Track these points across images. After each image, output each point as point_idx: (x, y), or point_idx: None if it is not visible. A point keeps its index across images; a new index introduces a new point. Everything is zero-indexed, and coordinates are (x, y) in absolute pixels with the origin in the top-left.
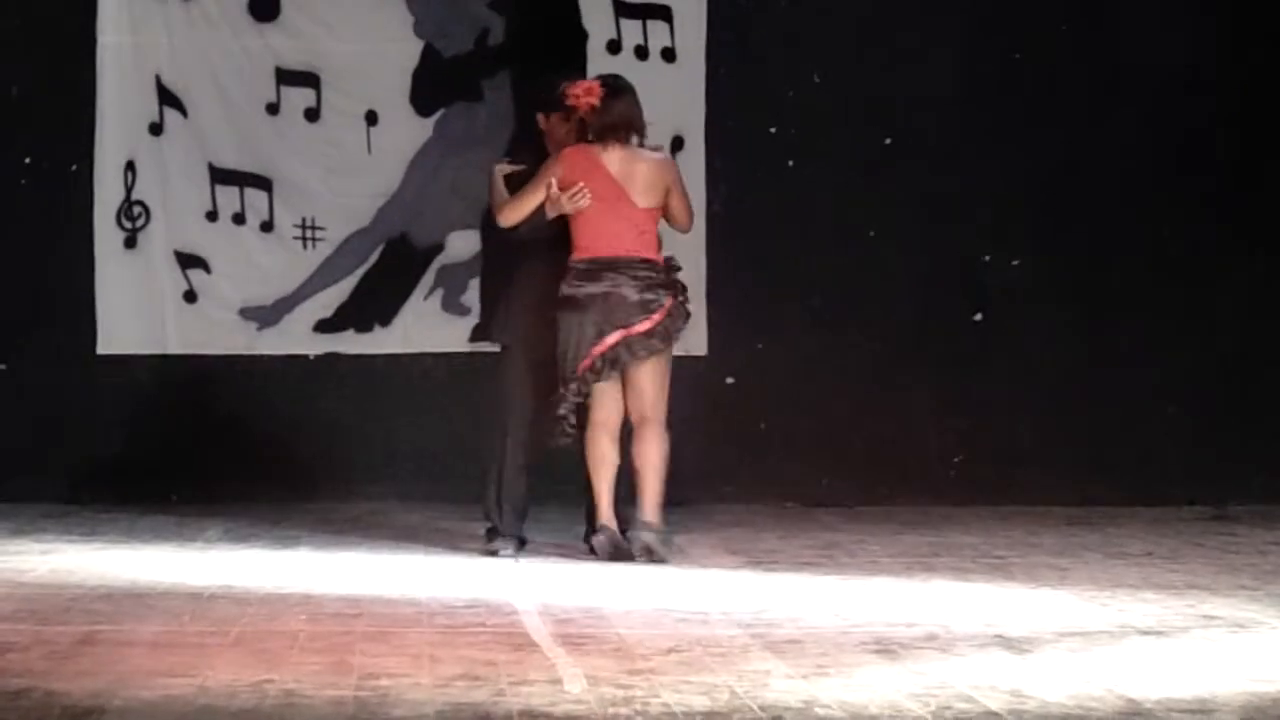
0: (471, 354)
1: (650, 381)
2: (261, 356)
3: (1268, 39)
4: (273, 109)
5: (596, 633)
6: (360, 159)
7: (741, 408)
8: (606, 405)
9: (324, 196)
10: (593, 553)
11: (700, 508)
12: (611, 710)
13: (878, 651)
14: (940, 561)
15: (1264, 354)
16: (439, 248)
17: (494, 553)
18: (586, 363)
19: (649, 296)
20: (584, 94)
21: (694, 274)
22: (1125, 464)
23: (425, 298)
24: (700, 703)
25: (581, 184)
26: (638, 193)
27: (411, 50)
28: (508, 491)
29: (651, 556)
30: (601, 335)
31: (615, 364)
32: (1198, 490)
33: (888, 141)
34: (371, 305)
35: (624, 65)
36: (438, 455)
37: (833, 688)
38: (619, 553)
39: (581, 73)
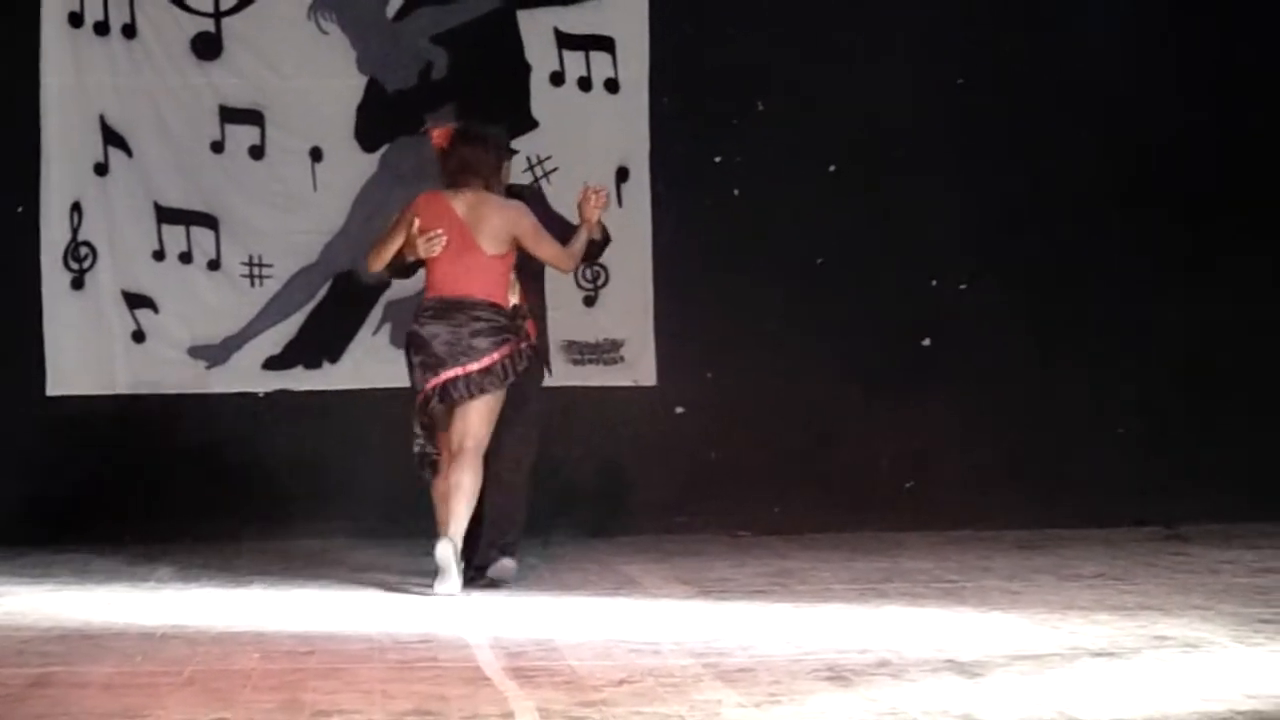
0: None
1: (476, 416)
2: (211, 395)
3: (1220, 62)
4: (217, 147)
5: (548, 665)
6: (306, 195)
7: (691, 437)
8: (458, 435)
9: (270, 234)
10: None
11: (651, 537)
12: None
13: (830, 679)
14: (892, 587)
15: (1212, 373)
16: (387, 283)
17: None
18: (420, 398)
19: (488, 339)
20: (436, 138)
21: (641, 303)
22: (1076, 486)
23: (374, 333)
24: None
25: (439, 230)
26: (484, 238)
27: (355, 85)
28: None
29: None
30: (437, 372)
31: (444, 399)
32: (1148, 511)
33: (832, 169)
34: (320, 341)
35: (568, 97)
36: (388, 491)
37: (785, 716)
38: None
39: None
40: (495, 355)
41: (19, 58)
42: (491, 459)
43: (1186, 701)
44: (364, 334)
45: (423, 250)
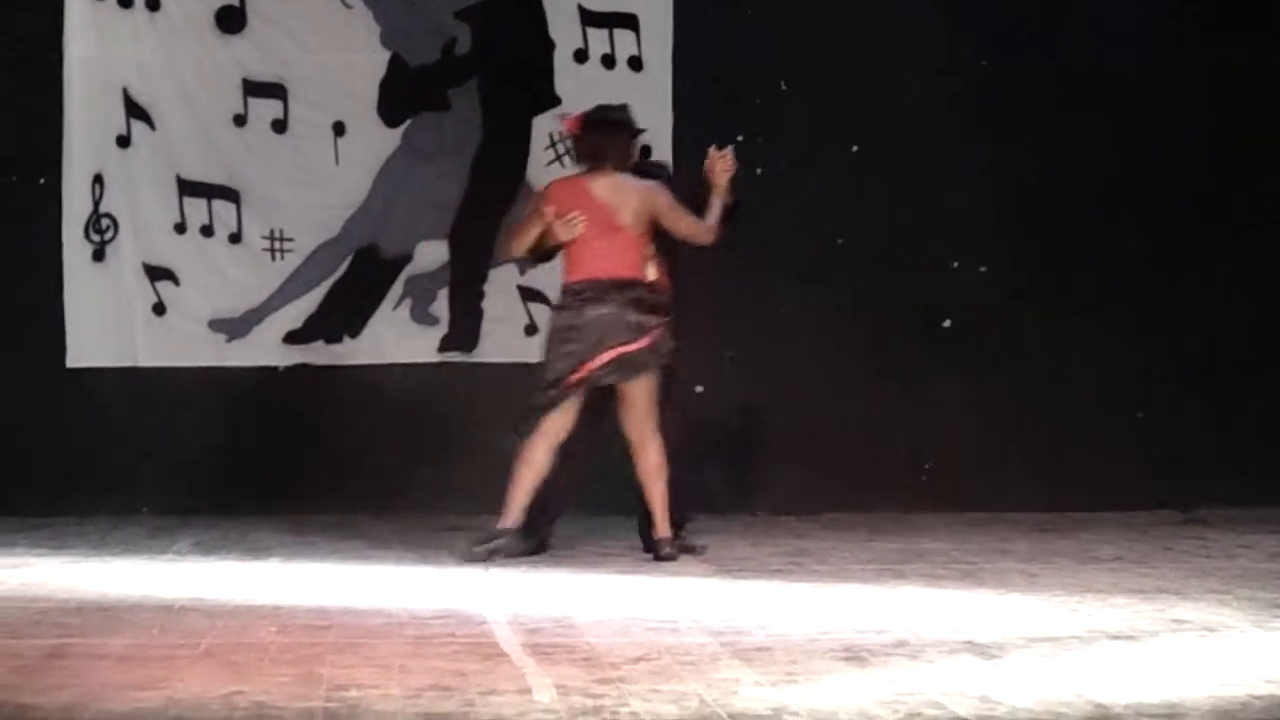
0: (440, 364)
1: (644, 397)
2: (231, 368)
3: (1231, 46)
4: (240, 120)
5: (566, 642)
6: (328, 170)
7: (710, 417)
8: (562, 418)
9: (292, 207)
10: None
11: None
12: (581, 719)
13: (847, 659)
14: (910, 568)
15: (1231, 357)
16: (407, 258)
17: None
18: (580, 375)
19: (641, 318)
20: (569, 124)
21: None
22: (1095, 469)
23: (394, 308)
24: (669, 711)
25: (576, 211)
26: (626, 218)
27: (378, 61)
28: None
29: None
30: (596, 353)
31: (601, 381)
32: (1167, 494)
33: (855, 149)
34: (341, 316)
35: (590, 74)
36: (407, 465)
37: (802, 695)
38: (504, 555)
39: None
40: (655, 333)
41: (43, 30)
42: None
43: (1204, 685)
44: (385, 309)
45: (563, 233)
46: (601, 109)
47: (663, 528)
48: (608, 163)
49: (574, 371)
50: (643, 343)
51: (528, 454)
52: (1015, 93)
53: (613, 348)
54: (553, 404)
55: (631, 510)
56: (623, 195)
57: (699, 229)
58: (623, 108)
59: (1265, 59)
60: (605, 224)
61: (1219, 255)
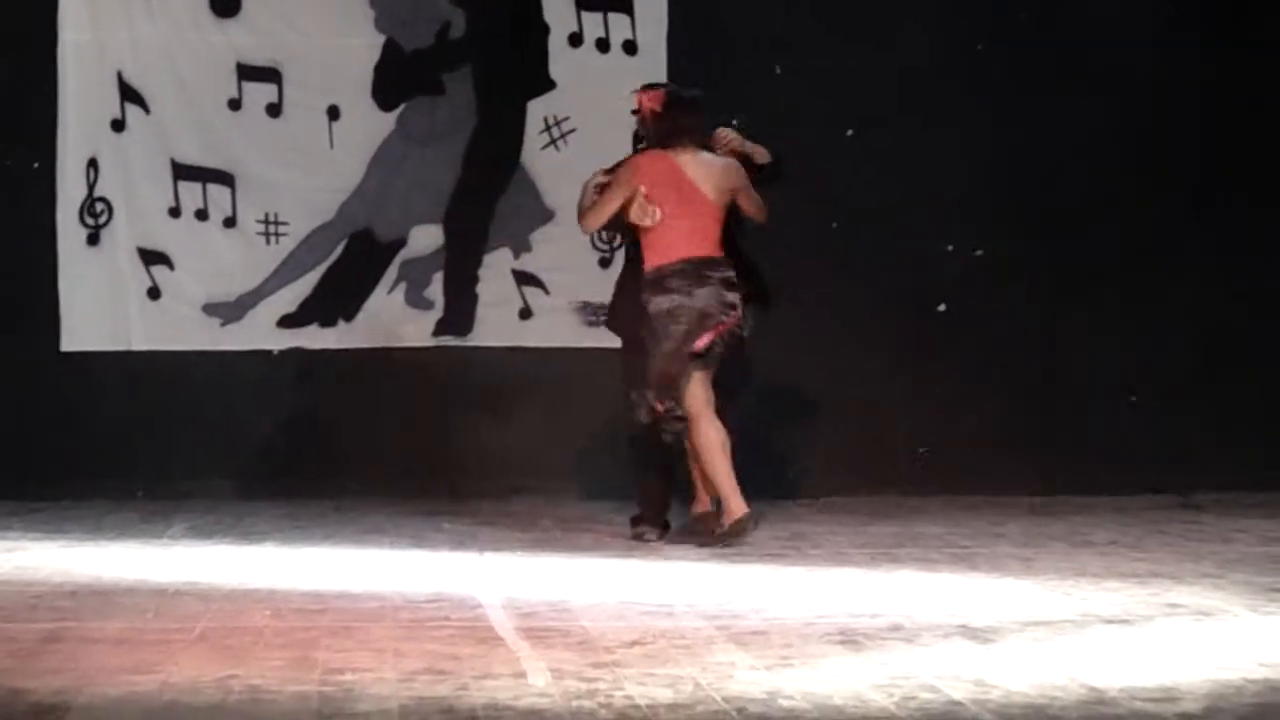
0: (435, 348)
1: (713, 374)
2: (225, 352)
3: (1234, 32)
4: (234, 104)
5: (560, 626)
6: (322, 154)
7: None
8: (705, 393)
9: (286, 191)
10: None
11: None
12: (575, 703)
13: (842, 642)
14: (905, 552)
15: (1227, 341)
16: (402, 242)
17: (640, 537)
18: (679, 364)
19: (732, 295)
20: (649, 100)
21: None
22: (1090, 453)
23: (389, 292)
24: (664, 695)
25: (655, 205)
26: (712, 194)
27: (373, 44)
28: (662, 481)
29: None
30: (699, 334)
31: (707, 360)
32: (1162, 478)
33: (850, 133)
34: (335, 300)
35: (586, 58)
36: (402, 450)
37: (797, 679)
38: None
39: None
40: (737, 314)
41: (38, 14)
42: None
43: (1199, 669)
44: (379, 292)
45: (640, 218)
46: (681, 88)
47: (706, 502)
48: (688, 140)
49: (685, 350)
50: (733, 320)
51: (704, 441)
52: (1011, 76)
53: (715, 326)
54: (670, 387)
55: (624, 494)
56: (707, 171)
57: (761, 207)
58: (694, 88)
59: (1262, 50)
60: (692, 202)
61: (1217, 241)
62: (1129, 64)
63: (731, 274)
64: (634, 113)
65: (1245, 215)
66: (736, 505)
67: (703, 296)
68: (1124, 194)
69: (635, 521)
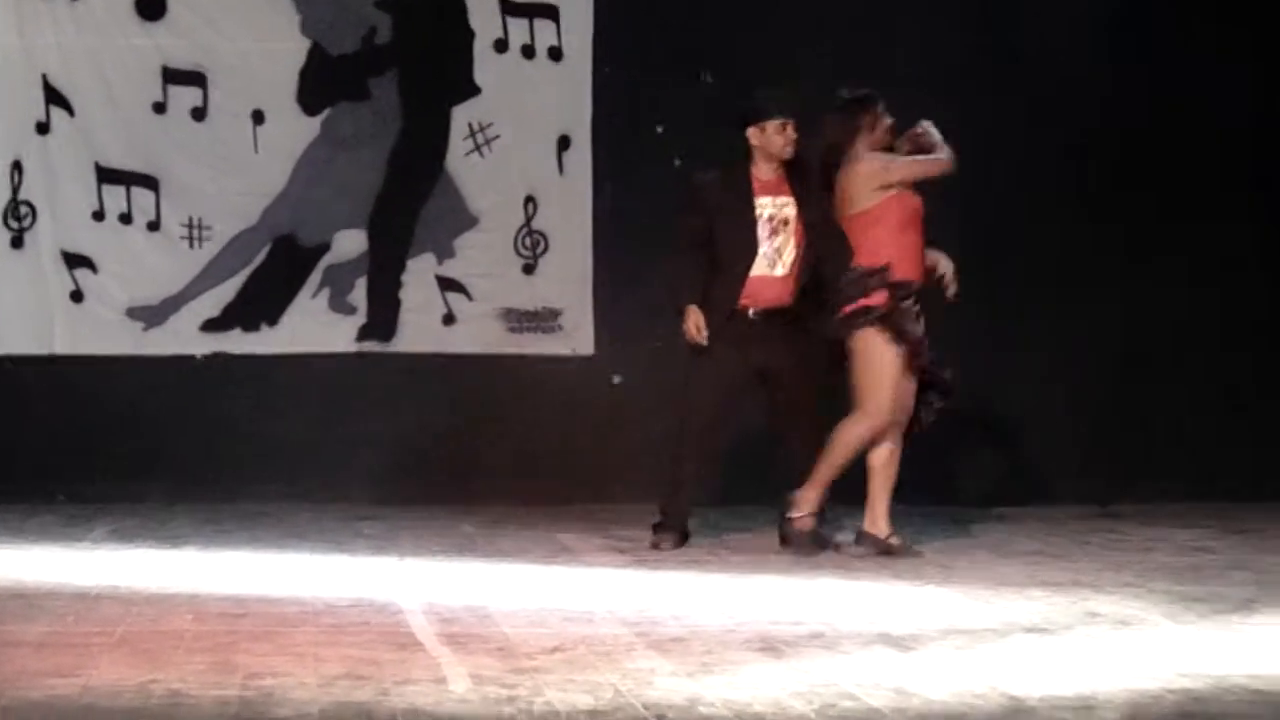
0: (358, 354)
1: None
2: (148, 356)
3: (1162, 57)
4: (159, 108)
5: (481, 632)
6: (247, 158)
7: (629, 407)
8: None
9: (211, 196)
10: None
11: (586, 506)
12: (495, 709)
13: (763, 649)
14: (827, 559)
15: (1149, 355)
16: (326, 247)
17: (656, 545)
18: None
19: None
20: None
21: (580, 272)
22: (1014, 464)
23: (312, 297)
24: (584, 701)
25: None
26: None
27: (298, 49)
28: (684, 488)
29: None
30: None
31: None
32: (1084, 489)
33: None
34: (258, 304)
35: (510, 64)
36: (324, 454)
37: (717, 686)
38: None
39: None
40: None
41: None
42: (801, 427)
43: (1119, 678)
44: (303, 297)
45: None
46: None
47: (879, 524)
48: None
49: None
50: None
51: (850, 437)
52: (939, 96)
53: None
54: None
55: (547, 501)
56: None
57: (933, 161)
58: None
59: (1203, 57)
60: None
61: (1139, 255)
62: (1055, 90)
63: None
64: (782, 115)
65: (1170, 239)
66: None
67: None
68: (1049, 209)
69: (656, 528)
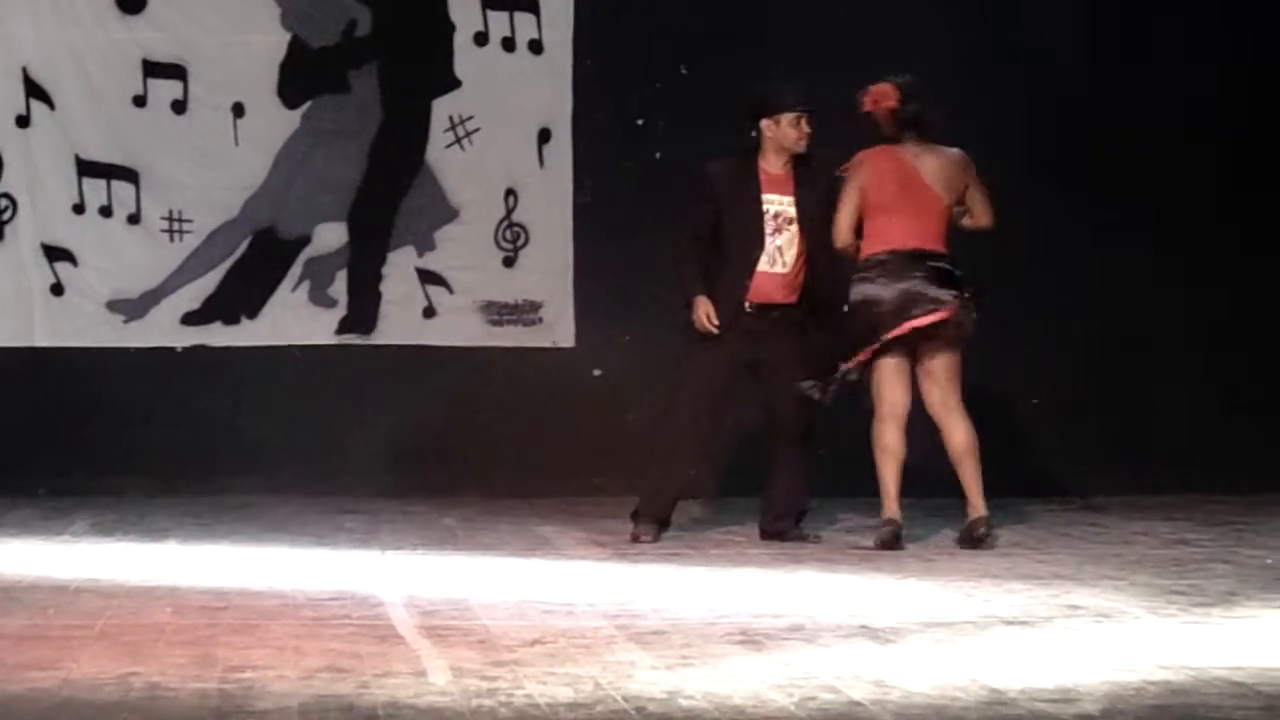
0: (339, 346)
1: (942, 374)
2: (129, 349)
3: (1134, 40)
4: (140, 101)
5: (461, 625)
6: (227, 151)
7: (609, 400)
8: (895, 396)
9: (191, 188)
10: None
11: (567, 499)
12: (475, 702)
13: (743, 642)
14: (807, 552)
15: (1128, 347)
16: (306, 239)
17: (636, 538)
18: (874, 347)
19: (940, 291)
20: (880, 97)
21: (561, 265)
22: (992, 456)
23: (293, 289)
24: (564, 694)
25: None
26: (940, 188)
27: (278, 42)
28: (670, 477)
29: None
30: (897, 324)
31: (899, 352)
32: (1065, 481)
33: (755, 134)
34: (239, 297)
35: (491, 57)
36: (305, 447)
37: (697, 679)
38: (896, 544)
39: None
40: (954, 305)
41: None
42: (784, 424)
43: (1099, 671)
44: (283, 290)
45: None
46: (914, 80)
47: (978, 505)
48: (924, 133)
49: (873, 343)
50: (941, 314)
51: (875, 441)
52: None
53: (913, 318)
54: (846, 381)
55: (528, 494)
56: (939, 165)
57: (989, 210)
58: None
59: (1168, 53)
60: (914, 193)
61: (1117, 246)
62: (1037, 68)
63: (946, 266)
64: (795, 108)
65: (1145, 226)
66: (888, 508)
67: (902, 290)
68: (1025, 201)
69: (635, 517)
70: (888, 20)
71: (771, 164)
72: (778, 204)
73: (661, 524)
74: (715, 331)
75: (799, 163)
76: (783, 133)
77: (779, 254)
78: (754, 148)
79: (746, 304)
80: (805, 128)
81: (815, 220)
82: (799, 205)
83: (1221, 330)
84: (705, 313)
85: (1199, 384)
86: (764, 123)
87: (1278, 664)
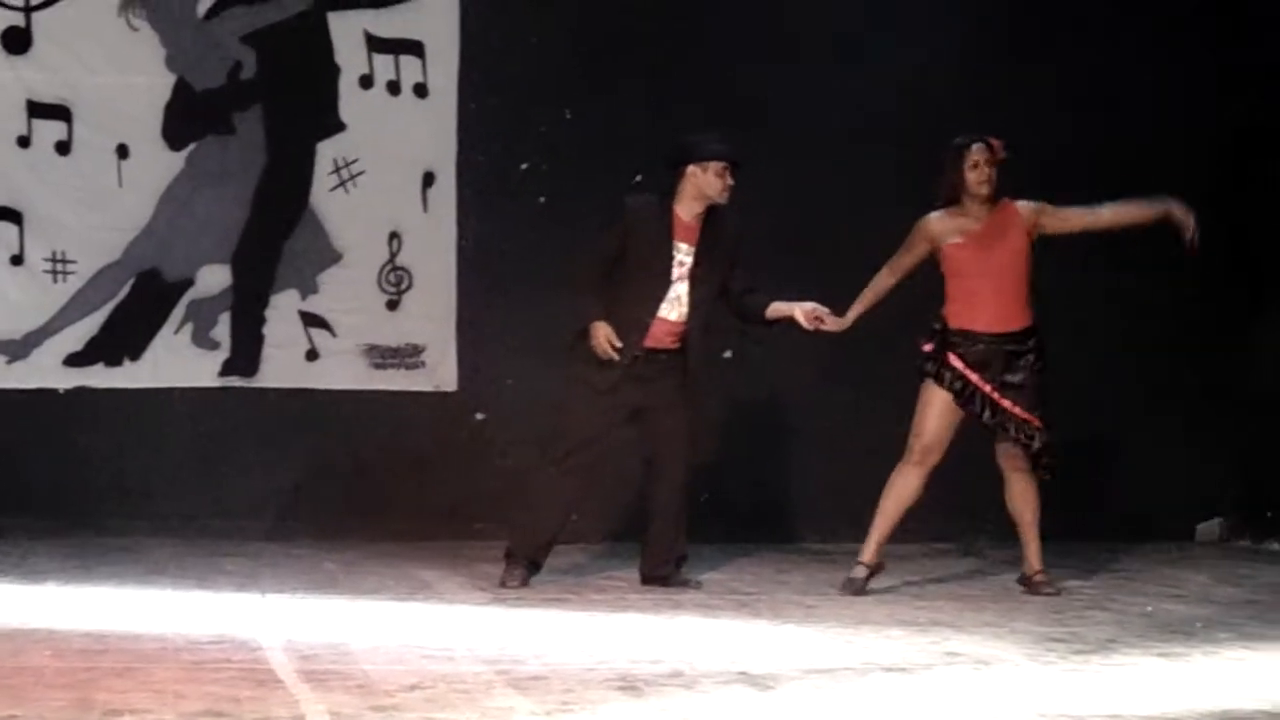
0: (221, 389)
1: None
2: (11, 390)
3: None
4: (24, 141)
5: (341, 669)
6: (111, 192)
7: (491, 443)
8: (940, 433)
9: (75, 229)
10: None
11: (448, 543)
12: None
13: (622, 688)
14: (687, 598)
15: None
16: (189, 282)
17: (504, 583)
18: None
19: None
20: (999, 150)
21: (444, 309)
22: (872, 501)
23: (175, 332)
24: None
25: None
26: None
27: (164, 84)
28: (544, 520)
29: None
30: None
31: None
32: (945, 528)
33: (638, 179)
34: (122, 339)
35: (377, 100)
36: (186, 489)
37: None
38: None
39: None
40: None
41: None
42: (665, 469)
43: (977, 718)
44: (165, 332)
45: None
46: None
47: (1035, 561)
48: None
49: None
50: (1018, 407)
51: (904, 491)
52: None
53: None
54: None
55: (410, 538)
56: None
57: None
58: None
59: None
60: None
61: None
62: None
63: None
64: (719, 157)
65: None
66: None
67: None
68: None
69: (507, 556)
70: (778, 72)
71: (686, 210)
72: (684, 252)
73: (532, 566)
74: (616, 357)
75: (708, 214)
76: (708, 180)
77: (678, 302)
78: (670, 192)
79: (639, 349)
80: (729, 179)
81: (710, 275)
82: (698, 256)
83: (1119, 380)
84: (606, 336)
85: (1087, 433)
86: (690, 168)
87: (1156, 712)
